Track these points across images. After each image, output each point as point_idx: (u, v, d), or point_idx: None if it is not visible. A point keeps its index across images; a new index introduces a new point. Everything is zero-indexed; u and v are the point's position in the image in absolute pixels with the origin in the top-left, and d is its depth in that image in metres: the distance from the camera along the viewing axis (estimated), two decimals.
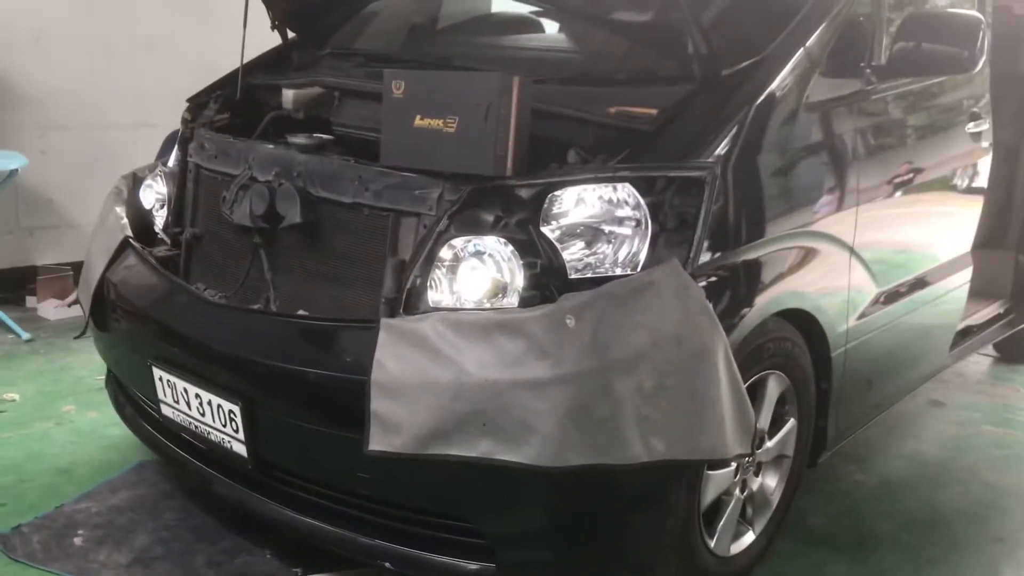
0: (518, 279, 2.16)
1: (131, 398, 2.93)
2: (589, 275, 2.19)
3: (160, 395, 2.57)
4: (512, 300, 2.16)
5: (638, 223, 2.20)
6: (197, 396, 2.44)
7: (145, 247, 2.88)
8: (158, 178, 3.01)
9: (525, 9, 3.41)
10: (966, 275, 3.64)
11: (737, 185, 2.33)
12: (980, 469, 3.61)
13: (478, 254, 2.19)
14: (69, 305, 4.68)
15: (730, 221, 2.32)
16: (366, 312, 2.34)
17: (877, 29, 2.86)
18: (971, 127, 3.44)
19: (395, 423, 2.05)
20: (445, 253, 2.22)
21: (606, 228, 2.22)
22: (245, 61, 3.11)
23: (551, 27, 3.49)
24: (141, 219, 3.04)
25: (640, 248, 2.17)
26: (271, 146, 2.65)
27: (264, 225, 2.51)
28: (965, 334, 3.93)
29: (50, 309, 4.69)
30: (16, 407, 3.63)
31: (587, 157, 2.29)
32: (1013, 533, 3.14)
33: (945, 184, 3.35)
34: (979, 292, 3.81)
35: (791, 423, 2.74)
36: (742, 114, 2.36)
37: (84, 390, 3.80)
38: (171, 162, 3.12)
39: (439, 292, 2.23)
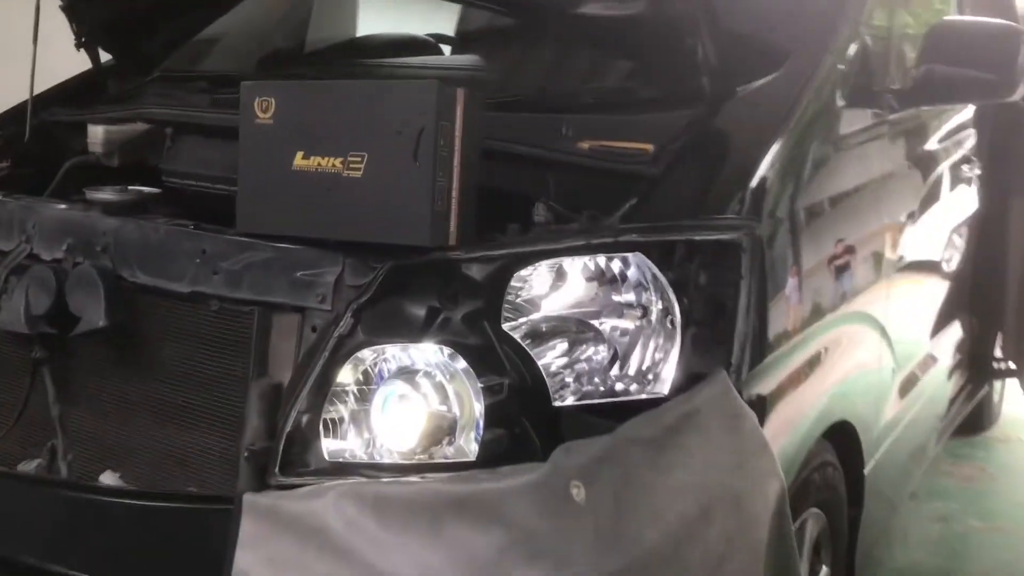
0: (474, 412, 1.32)
1: None
2: (581, 399, 1.39)
3: None
4: (465, 447, 1.33)
5: (645, 312, 1.42)
6: None
7: None
8: None
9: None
10: (958, 345, 3.05)
11: (772, 252, 1.58)
12: None
13: (405, 373, 1.35)
14: None
15: (771, 305, 1.56)
16: (216, 469, 1.46)
17: (897, 43, 2.21)
18: (965, 170, 2.84)
19: None
20: (348, 373, 1.38)
21: (601, 322, 1.42)
22: (38, 91, 2.22)
23: (459, 47, 2.72)
24: None
25: (665, 352, 1.39)
26: (62, 206, 1.73)
27: (49, 330, 1.59)
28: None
29: None
30: None
31: (565, 213, 1.49)
32: None
33: (949, 240, 2.73)
34: None
35: (824, 573, 2.00)
36: (775, 150, 1.63)
37: None
38: None
39: (340, 438, 1.37)
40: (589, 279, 1.43)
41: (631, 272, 1.42)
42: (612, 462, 1.23)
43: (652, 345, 1.41)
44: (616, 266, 1.41)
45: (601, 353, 1.43)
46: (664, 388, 1.37)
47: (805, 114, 1.75)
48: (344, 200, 1.38)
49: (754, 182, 1.57)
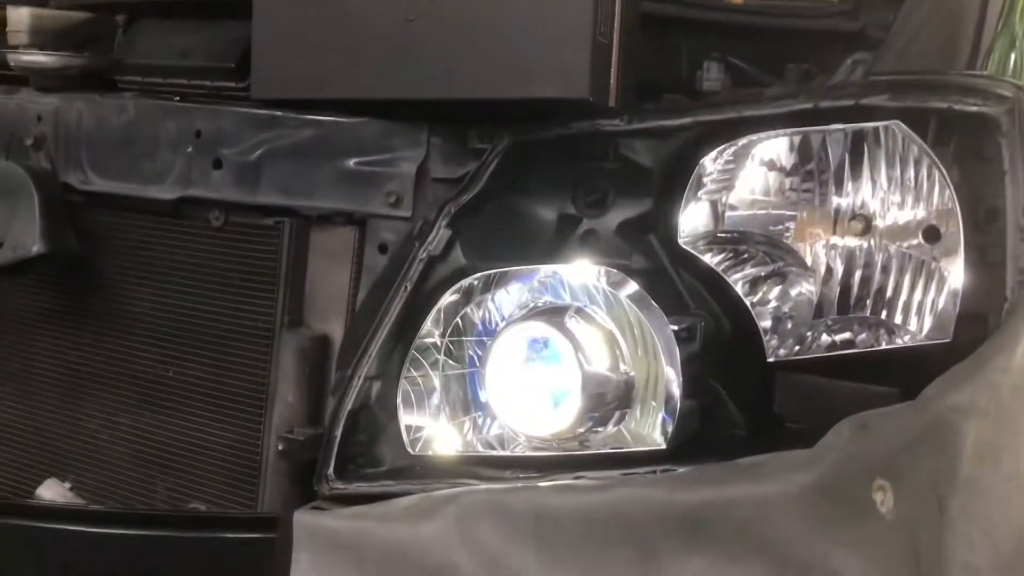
0: (660, 371, 0.82)
1: None
2: (795, 352, 0.90)
3: None
4: (644, 428, 0.83)
5: (881, 219, 0.94)
6: None
7: None
8: None
9: None
10: None
11: None
12: None
13: (540, 312, 0.84)
14: None
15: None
16: (225, 472, 0.97)
17: None
18: None
19: None
20: (443, 315, 0.86)
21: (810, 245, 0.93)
22: None
23: None
24: None
25: (926, 277, 0.90)
26: None
27: None
28: None
29: None
30: None
31: (754, 73, 0.99)
32: None
33: None
34: None
35: None
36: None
37: None
38: None
39: (431, 417, 0.86)
40: (800, 167, 0.93)
41: (882, 153, 0.92)
42: (933, 446, 0.72)
43: (906, 267, 0.92)
44: (864, 143, 0.91)
45: (805, 285, 0.94)
46: (947, 332, 0.87)
47: None
48: (433, 35, 0.85)
49: (987, 38, 1.10)
